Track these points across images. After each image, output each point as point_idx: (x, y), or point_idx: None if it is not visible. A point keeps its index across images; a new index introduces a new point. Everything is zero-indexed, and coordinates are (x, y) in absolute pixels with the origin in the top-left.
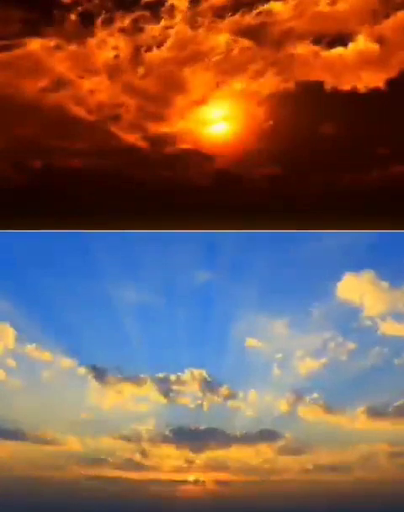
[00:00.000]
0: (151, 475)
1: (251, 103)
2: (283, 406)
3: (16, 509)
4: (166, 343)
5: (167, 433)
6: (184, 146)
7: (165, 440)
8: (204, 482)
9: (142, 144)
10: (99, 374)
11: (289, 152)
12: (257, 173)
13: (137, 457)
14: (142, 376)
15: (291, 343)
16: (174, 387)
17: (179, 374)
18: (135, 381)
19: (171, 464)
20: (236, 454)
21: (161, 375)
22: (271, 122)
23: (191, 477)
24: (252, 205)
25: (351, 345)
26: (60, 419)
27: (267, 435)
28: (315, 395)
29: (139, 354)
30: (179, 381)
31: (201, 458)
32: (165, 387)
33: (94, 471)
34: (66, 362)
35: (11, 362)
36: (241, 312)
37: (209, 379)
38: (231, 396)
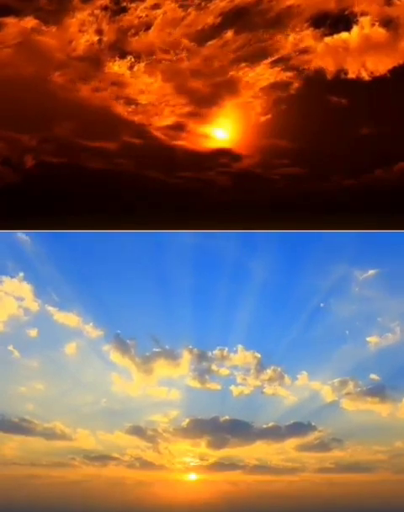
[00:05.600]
0: (162, 474)
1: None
2: (328, 392)
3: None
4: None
5: (186, 426)
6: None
7: (183, 434)
8: (214, 482)
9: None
10: (126, 349)
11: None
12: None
13: (149, 455)
14: (179, 351)
15: (377, 305)
16: (213, 367)
17: (225, 350)
18: (171, 358)
19: (183, 462)
20: (258, 452)
21: (199, 350)
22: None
23: (201, 477)
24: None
25: None
26: (74, 410)
27: (297, 429)
28: (373, 376)
29: (182, 324)
30: (222, 359)
31: (216, 456)
32: (202, 368)
33: (102, 469)
34: (93, 331)
35: (32, 332)
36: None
37: (258, 356)
38: (277, 378)
